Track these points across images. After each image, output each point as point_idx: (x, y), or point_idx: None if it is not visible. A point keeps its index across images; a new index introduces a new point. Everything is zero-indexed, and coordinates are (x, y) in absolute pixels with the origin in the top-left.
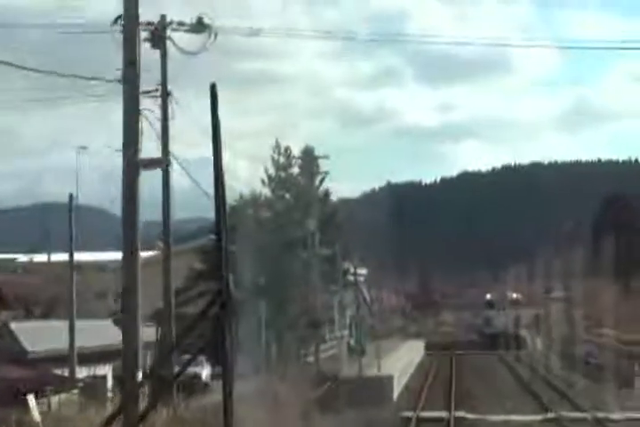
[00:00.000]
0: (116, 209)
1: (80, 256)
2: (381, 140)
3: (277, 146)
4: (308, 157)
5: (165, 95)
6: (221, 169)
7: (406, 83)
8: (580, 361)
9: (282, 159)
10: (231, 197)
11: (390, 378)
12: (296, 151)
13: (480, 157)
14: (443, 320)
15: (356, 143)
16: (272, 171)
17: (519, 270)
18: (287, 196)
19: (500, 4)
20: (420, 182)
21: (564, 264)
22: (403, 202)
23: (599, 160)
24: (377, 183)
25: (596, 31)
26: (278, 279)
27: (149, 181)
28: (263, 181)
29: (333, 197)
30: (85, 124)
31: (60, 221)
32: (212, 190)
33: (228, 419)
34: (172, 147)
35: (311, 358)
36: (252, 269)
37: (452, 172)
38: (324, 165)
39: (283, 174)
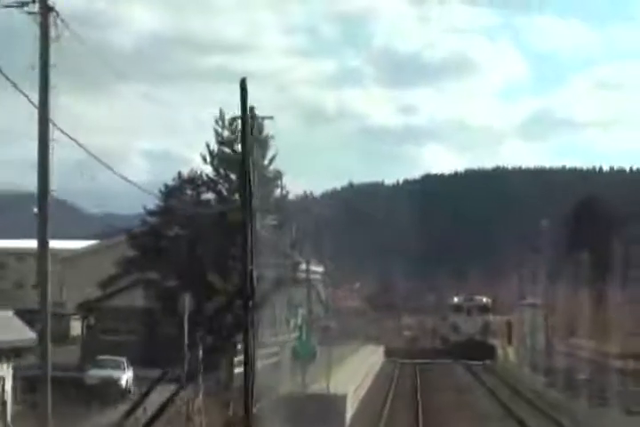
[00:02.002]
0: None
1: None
2: (343, 141)
3: (221, 117)
4: (257, 132)
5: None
6: (249, 166)
7: (370, 84)
8: (564, 377)
9: (226, 133)
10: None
11: (343, 398)
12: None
13: (443, 161)
14: (404, 324)
15: (318, 142)
16: (215, 146)
17: (485, 274)
18: (232, 176)
19: (465, 7)
20: (383, 183)
21: (535, 269)
22: (364, 202)
23: (564, 167)
24: (338, 183)
25: (562, 38)
26: (212, 269)
27: None
28: (204, 158)
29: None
30: None
31: None
32: None
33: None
34: None
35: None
36: (189, 257)
37: (415, 174)
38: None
39: (227, 151)
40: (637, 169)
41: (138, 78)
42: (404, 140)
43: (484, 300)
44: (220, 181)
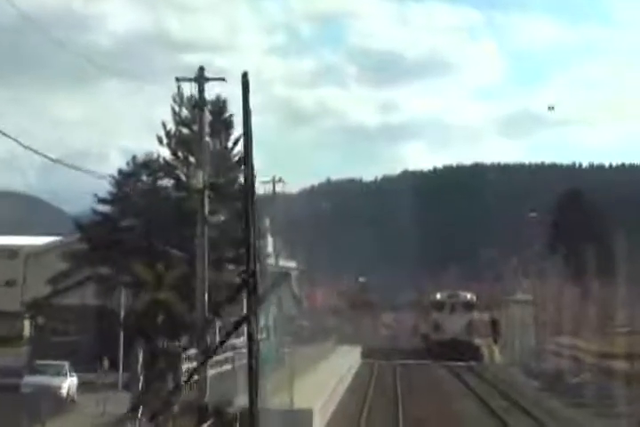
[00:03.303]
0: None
1: None
2: (322, 139)
3: (180, 93)
4: (220, 110)
5: None
6: (251, 153)
7: (349, 82)
8: (557, 380)
9: (185, 112)
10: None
11: (308, 414)
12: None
13: (422, 158)
14: (383, 322)
15: (296, 141)
16: (172, 126)
17: (467, 270)
18: (191, 159)
19: (444, 6)
20: (361, 180)
21: (521, 265)
22: (342, 199)
23: (543, 163)
24: (316, 180)
25: (541, 37)
26: (169, 262)
27: None
28: (160, 139)
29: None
30: None
31: None
32: None
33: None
34: None
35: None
36: (145, 249)
37: (394, 171)
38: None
39: (185, 131)
40: (617, 165)
41: (115, 76)
42: (382, 138)
43: (469, 296)
44: (179, 165)
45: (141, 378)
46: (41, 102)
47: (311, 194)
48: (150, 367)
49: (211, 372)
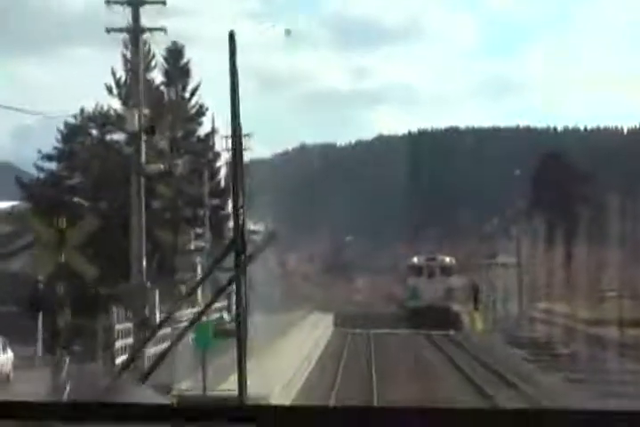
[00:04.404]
0: None
1: None
2: (295, 104)
3: (133, 39)
4: (176, 57)
5: None
6: (239, 121)
7: (321, 47)
8: (545, 350)
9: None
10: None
11: (264, 401)
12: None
13: (396, 123)
14: (357, 287)
15: (269, 106)
16: (122, 74)
17: (444, 233)
18: (145, 111)
19: None
20: (335, 145)
21: (502, 226)
22: (316, 163)
23: (517, 127)
24: (290, 145)
25: (516, 2)
26: (114, 225)
27: None
28: (109, 89)
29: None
30: None
31: None
32: None
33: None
34: None
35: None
36: (93, 210)
37: (368, 136)
38: None
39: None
40: (592, 128)
41: (82, 42)
42: (356, 103)
43: (447, 259)
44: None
45: (67, 360)
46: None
47: (285, 159)
48: (72, 345)
49: (148, 351)
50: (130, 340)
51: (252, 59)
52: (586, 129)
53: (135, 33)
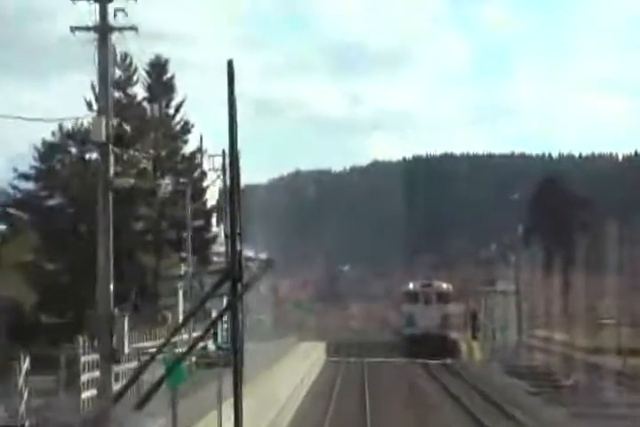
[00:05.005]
0: None
1: None
2: (290, 130)
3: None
4: (159, 71)
5: None
6: (236, 147)
7: (316, 74)
8: (547, 381)
9: (118, 72)
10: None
11: None
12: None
13: (391, 148)
14: (351, 313)
15: (265, 132)
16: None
17: (438, 260)
18: (126, 127)
19: None
20: (330, 170)
21: (499, 252)
22: (311, 189)
23: (512, 154)
24: (285, 171)
25: (509, 28)
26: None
27: None
28: (89, 104)
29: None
30: None
31: None
32: None
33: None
34: None
35: (86, 394)
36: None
37: (363, 161)
38: None
39: (119, 95)
40: (587, 155)
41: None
42: (351, 129)
43: (444, 286)
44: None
45: (25, 394)
46: None
47: (280, 184)
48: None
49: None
50: (96, 373)
51: (247, 84)
52: (580, 156)
53: (103, 31)
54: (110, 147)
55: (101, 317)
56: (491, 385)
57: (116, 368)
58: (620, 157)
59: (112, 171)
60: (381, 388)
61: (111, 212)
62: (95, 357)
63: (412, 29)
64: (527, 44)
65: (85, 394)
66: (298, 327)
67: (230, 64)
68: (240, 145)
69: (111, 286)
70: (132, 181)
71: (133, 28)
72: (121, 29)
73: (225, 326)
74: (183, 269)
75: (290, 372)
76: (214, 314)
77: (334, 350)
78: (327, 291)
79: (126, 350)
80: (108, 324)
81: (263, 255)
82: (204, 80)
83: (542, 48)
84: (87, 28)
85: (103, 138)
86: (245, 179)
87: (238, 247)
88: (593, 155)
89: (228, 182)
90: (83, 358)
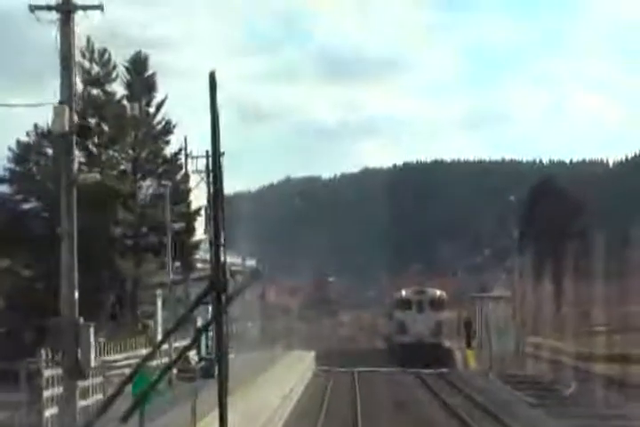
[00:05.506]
0: None
1: None
2: (281, 137)
3: (90, 47)
4: (140, 68)
5: None
6: (219, 158)
7: (306, 80)
8: (546, 391)
9: (95, 68)
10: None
11: None
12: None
13: (381, 155)
14: (340, 321)
15: (255, 139)
16: (80, 86)
17: (428, 267)
18: (104, 127)
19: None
20: (320, 177)
21: (495, 258)
22: (301, 196)
23: (503, 160)
24: (275, 178)
25: (499, 34)
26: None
27: None
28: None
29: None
30: None
31: None
32: None
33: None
34: None
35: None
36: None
37: (353, 168)
38: None
39: (96, 92)
40: (577, 161)
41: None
42: (342, 135)
43: (438, 293)
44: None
45: None
46: None
47: (270, 191)
48: None
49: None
50: (60, 389)
51: (237, 91)
52: (571, 162)
53: (66, 11)
54: (74, 138)
55: (64, 326)
56: (490, 397)
57: (82, 383)
58: (611, 163)
59: (76, 165)
60: (373, 398)
61: (75, 210)
62: (59, 371)
63: (404, 36)
64: (518, 51)
65: (50, 411)
66: (286, 335)
67: (212, 75)
68: (230, 152)
69: (76, 292)
70: (97, 176)
71: (99, 7)
72: (85, 8)
73: (210, 333)
74: (157, 275)
75: (276, 383)
76: (199, 322)
77: (324, 359)
78: (316, 298)
79: (92, 363)
80: (74, 334)
81: (251, 262)
82: (189, 84)
83: (533, 55)
84: (48, 8)
85: (66, 128)
86: (235, 186)
87: (222, 257)
88: (584, 161)
89: (211, 188)
90: (46, 373)
